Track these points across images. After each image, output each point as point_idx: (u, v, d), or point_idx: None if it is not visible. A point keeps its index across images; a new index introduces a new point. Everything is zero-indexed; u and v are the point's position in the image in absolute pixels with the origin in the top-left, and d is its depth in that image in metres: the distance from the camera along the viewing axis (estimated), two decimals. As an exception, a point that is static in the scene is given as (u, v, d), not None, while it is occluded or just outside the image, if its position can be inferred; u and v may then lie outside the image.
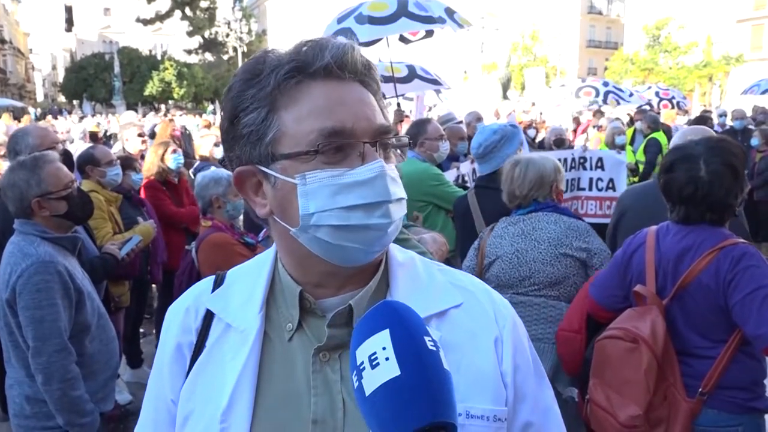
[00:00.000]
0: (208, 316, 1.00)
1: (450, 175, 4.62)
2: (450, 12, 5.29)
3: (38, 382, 2.43)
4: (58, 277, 2.47)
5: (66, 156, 4.16)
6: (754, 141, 8.21)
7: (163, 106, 36.63)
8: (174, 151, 4.94)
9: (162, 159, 4.86)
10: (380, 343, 0.72)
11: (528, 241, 2.79)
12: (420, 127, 4.26)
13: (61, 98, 53.15)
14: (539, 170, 2.87)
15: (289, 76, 0.88)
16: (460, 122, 6.64)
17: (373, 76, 0.94)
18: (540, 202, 2.87)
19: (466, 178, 4.91)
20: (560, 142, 8.23)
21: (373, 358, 0.71)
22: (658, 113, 10.79)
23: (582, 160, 5.66)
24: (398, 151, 1.01)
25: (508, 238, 2.84)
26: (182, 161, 5.06)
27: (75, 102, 43.02)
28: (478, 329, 0.96)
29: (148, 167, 4.90)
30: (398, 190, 0.90)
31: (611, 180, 5.58)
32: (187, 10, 50.50)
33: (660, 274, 2.15)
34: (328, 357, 0.93)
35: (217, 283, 1.05)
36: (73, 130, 11.70)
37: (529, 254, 2.77)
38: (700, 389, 2.06)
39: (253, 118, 0.89)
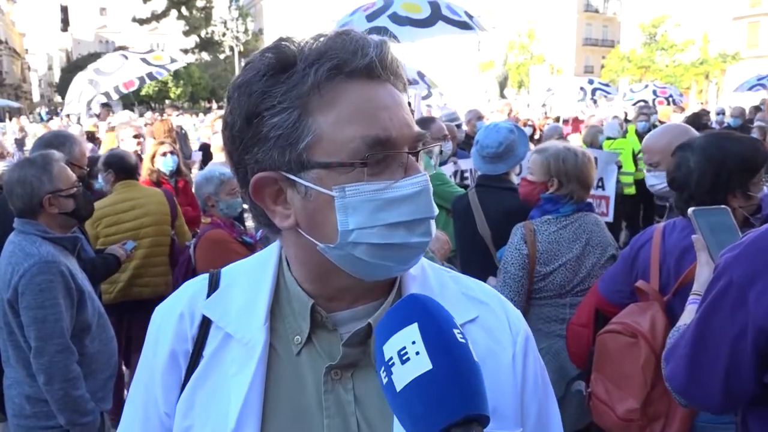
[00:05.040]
0: (205, 323, 0.92)
1: (447, 170, 4.62)
2: (470, 16, 5.27)
3: (40, 382, 2.42)
4: (61, 277, 2.46)
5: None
6: (752, 139, 8.22)
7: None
8: (164, 154, 4.77)
9: (151, 161, 4.75)
10: (409, 337, 0.69)
11: (585, 247, 2.75)
12: (424, 126, 4.26)
13: (58, 98, 53.04)
14: None
15: (331, 75, 0.79)
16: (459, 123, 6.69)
17: (402, 76, 0.86)
18: (578, 202, 2.81)
19: (466, 175, 4.89)
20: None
21: (402, 353, 0.69)
22: (655, 111, 10.80)
23: None
24: None
25: (565, 244, 2.75)
26: (173, 164, 4.83)
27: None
28: (496, 346, 0.91)
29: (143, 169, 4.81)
30: (435, 204, 0.85)
31: (601, 179, 5.59)
32: (183, 10, 50.44)
33: (664, 271, 2.14)
34: (340, 375, 0.87)
35: (212, 285, 0.96)
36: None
37: (589, 260, 2.74)
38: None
39: (283, 120, 0.79)
